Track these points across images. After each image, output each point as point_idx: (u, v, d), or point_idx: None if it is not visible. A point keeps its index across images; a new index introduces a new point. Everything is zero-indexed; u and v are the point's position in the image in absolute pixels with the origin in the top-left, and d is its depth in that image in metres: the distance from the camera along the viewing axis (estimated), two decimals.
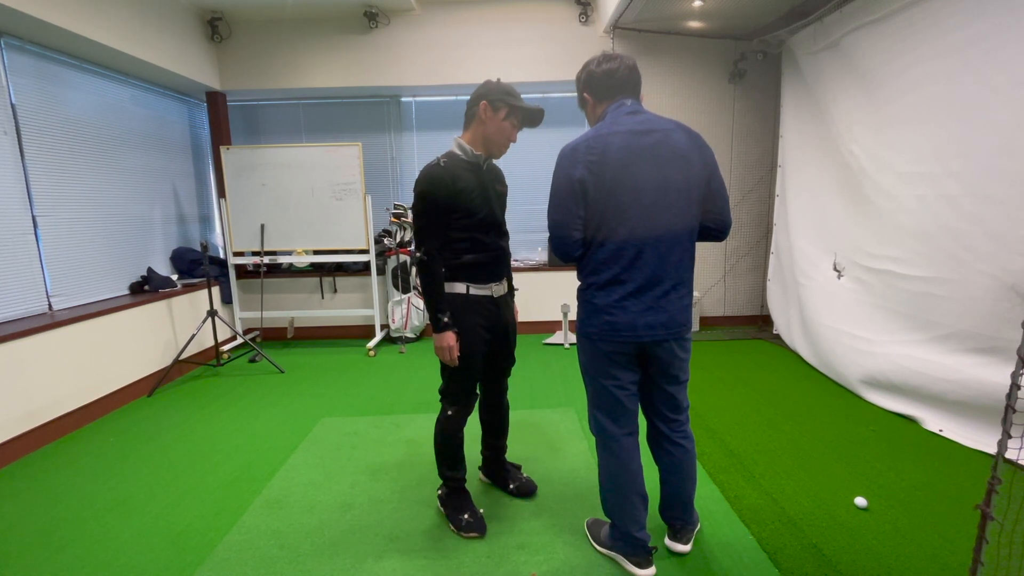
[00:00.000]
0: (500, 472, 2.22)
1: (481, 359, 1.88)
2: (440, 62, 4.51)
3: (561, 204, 1.57)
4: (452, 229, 1.76)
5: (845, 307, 3.30)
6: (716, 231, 1.62)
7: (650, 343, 1.56)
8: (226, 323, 4.13)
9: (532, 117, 1.80)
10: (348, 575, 1.72)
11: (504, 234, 1.91)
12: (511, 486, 2.18)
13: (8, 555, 1.87)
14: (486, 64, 4.51)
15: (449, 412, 1.90)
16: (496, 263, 1.86)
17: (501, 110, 1.76)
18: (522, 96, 1.82)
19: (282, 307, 4.87)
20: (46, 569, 1.79)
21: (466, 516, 1.92)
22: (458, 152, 1.79)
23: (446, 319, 1.75)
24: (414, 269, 4.62)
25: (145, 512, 2.12)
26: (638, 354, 1.61)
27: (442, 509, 2.03)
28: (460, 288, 1.81)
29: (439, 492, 2.05)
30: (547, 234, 4.85)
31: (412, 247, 1.66)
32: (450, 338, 1.75)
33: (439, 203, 1.71)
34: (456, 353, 1.77)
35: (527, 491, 2.17)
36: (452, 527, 1.94)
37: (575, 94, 1.72)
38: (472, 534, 1.89)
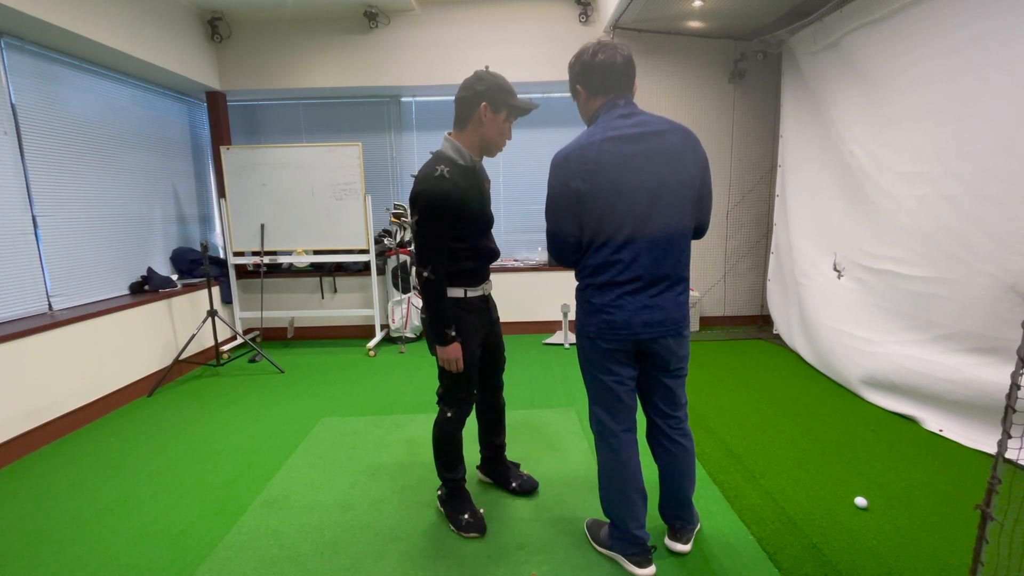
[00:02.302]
0: (501, 471, 2.22)
1: (479, 358, 1.89)
2: (440, 62, 4.51)
3: (557, 213, 1.59)
4: (454, 239, 1.72)
5: (845, 307, 3.30)
6: (695, 230, 1.63)
7: (647, 340, 1.57)
8: (226, 323, 4.13)
9: (525, 113, 1.79)
10: (348, 575, 1.72)
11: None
12: (513, 484, 2.19)
13: (8, 555, 1.87)
14: (486, 64, 4.51)
15: (448, 414, 1.89)
16: (489, 264, 1.88)
17: (502, 112, 1.71)
18: (520, 95, 1.79)
19: (282, 307, 4.87)
20: (46, 569, 1.79)
21: (466, 516, 1.92)
22: (455, 157, 1.71)
23: (453, 332, 1.73)
24: (413, 269, 4.62)
25: (145, 512, 2.12)
26: (636, 351, 1.61)
27: (442, 509, 2.02)
28: (458, 292, 1.80)
29: (439, 493, 2.05)
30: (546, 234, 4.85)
31: (414, 261, 1.63)
32: (458, 350, 1.74)
33: (446, 220, 1.65)
34: (462, 364, 1.76)
35: (529, 488, 2.17)
36: (452, 527, 1.94)
37: None
38: (472, 534, 1.89)
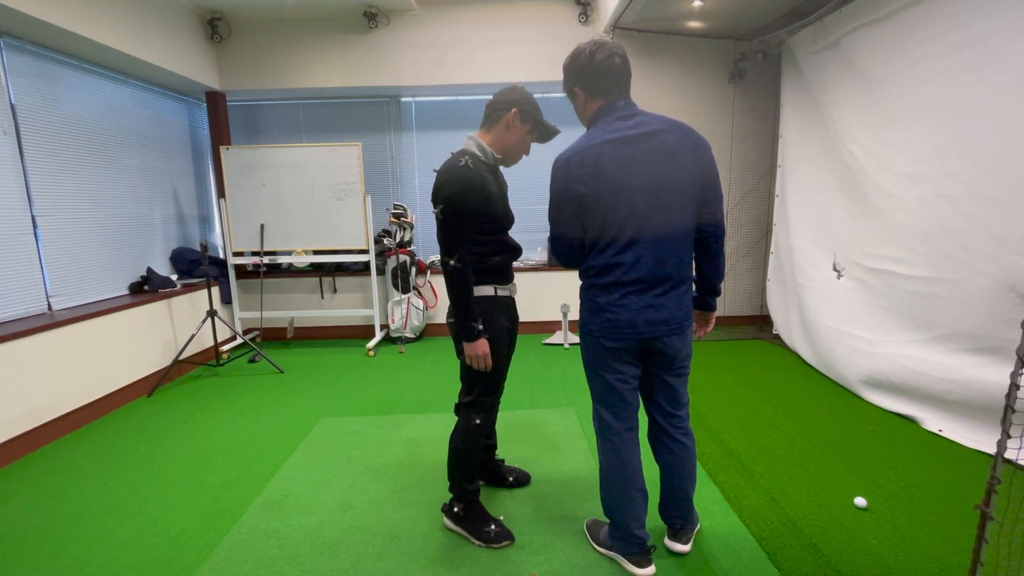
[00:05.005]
0: (495, 469, 2.23)
1: (507, 359, 1.87)
2: (440, 62, 4.51)
3: (560, 216, 1.59)
4: (479, 232, 1.71)
5: (845, 307, 3.30)
6: (710, 232, 1.60)
7: (651, 338, 1.57)
8: (226, 323, 4.13)
9: (547, 135, 1.81)
10: (348, 575, 1.72)
11: None
12: (510, 479, 2.21)
13: (8, 555, 1.87)
14: (486, 64, 4.51)
15: (477, 420, 1.81)
16: (513, 260, 1.87)
17: (528, 122, 1.74)
18: None
19: (282, 307, 4.87)
20: (46, 569, 1.79)
21: (493, 527, 1.87)
22: (478, 153, 1.71)
23: (480, 327, 1.68)
24: (414, 270, 4.62)
25: (145, 512, 2.12)
26: (640, 349, 1.61)
27: (456, 528, 1.92)
28: (488, 291, 1.77)
29: (454, 510, 1.91)
30: (547, 234, 4.85)
31: (439, 254, 1.59)
32: (485, 345, 1.69)
33: (471, 207, 1.62)
34: (491, 360, 1.72)
35: (525, 479, 2.22)
36: (478, 542, 1.86)
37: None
38: (505, 542, 1.84)
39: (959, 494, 2.09)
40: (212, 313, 3.79)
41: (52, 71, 3.24)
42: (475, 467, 1.87)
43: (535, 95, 1.81)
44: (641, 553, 1.68)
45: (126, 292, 3.78)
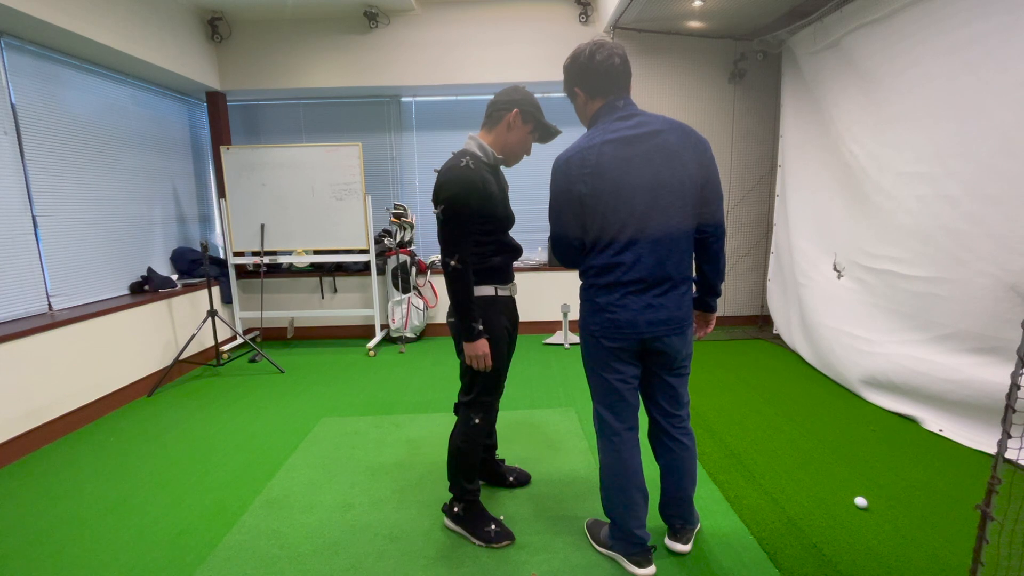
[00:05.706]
0: (495, 469, 2.23)
1: (507, 359, 1.87)
2: (440, 62, 4.51)
3: (560, 216, 1.59)
4: (480, 233, 1.71)
5: (845, 307, 3.30)
6: (710, 232, 1.60)
7: (651, 338, 1.57)
8: (226, 323, 4.13)
9: (548, 136, 1.81)
10: (348, 575, 1.72)
11: None
12: (510, 479, 2.21)
13: (8, 555, 1.87)
14: (486, 64, 4.51)
15: (476, 420, 1.82)
16: (514, 260, 1.87)
17: (529, 123, 1.75)
18: None
19: (282, 307, 4.87)
20: (46, 569, 1.79)
21: (492, 527, 1.87)
22: (479, 153, 1.71)
23: (480, 327, 1.68)
24: (414, 270, 4.62)
25: (145, 512, 2.12)
26: (640, 349, 1.61)
27: (456, 528, 1.92)
28: (488, 291, 1.77)
29: (454, 510, 1.91)
30: (547, 234, 4.86)
31: (440, 254, 1.59)
32: (485, 345, 1.69)
33: (472, 208, 1.62)
34: (490, 360, 1.72)
35: (525, 479, 2.22)
36: (478, 542, 1.86)
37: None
38: (505, 542, 1.84)
39: (959, 494, 2.08)
40: (212, 313, 3.79)
41: (52, 71, 3.24)
42: (475, 467, 1.87)
43: (536, 95, 1.81)
44: (641, 553, 1.68)
45: (126, 292, 3.78)
